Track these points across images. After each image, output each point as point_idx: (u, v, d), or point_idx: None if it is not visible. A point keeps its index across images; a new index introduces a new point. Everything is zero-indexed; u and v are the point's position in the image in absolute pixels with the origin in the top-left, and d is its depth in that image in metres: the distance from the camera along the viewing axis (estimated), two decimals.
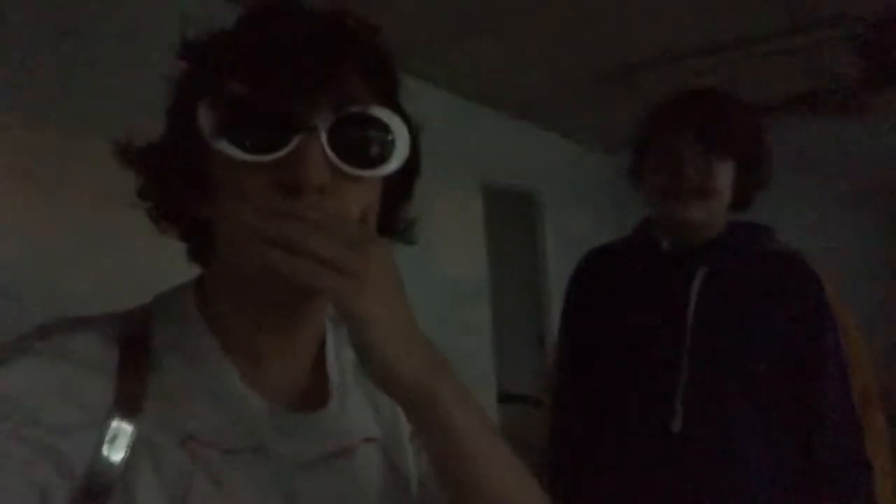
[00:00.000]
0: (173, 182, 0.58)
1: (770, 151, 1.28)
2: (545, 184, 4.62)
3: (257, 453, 0.57)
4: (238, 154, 0.53)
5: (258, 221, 0.49)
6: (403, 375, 0.52)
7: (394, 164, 0.57)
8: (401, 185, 0.64)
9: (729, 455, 1.15)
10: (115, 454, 0.51)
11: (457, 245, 3.71)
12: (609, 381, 1.26)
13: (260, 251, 0.49)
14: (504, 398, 3.99)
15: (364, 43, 0.58)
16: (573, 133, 4.78)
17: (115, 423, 0.52)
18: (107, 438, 0.51)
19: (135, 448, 0.52)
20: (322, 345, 0.68)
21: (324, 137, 0.53)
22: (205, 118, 0.53)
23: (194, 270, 0.63)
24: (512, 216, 4.61)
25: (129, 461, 0.51)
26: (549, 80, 3.49)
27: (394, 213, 0.66)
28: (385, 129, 0.57)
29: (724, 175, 1.21)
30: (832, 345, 1.18)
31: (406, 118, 0.60)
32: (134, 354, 0.55)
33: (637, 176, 1.33)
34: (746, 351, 1.16)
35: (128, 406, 0.53)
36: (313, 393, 0.65)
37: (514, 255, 4.59)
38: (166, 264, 0.77)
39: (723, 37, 3.03)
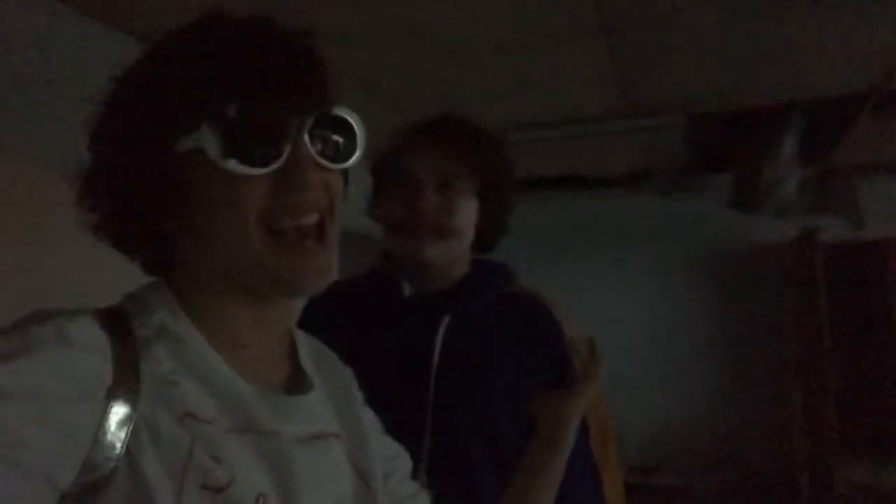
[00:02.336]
0: (143, 202, 0.61)
1: (513, 193, 1.18)
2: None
3: (251, 432, 0.60)
4: (245, 170, 0.58)
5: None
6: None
7: (359, 154, 0.66)
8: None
9: None
10: (119, 432, 0.53)
11: None
12: None
13: (259, 252, 0.58)
14: None
15: (313, 48, 0.63)
16: None
17: (116, 402, 0.53)
18: (110, 416, 0.53)
19: (136, 425, 0.54)
20: (293, 342, 0.74)
21: (307, 141, 0.60)
22: (209, 142, 0.57)
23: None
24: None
25: (131, 439, 0.53)
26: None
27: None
28: (349, 126, 0.65)
29: (466, 213, 1.11)
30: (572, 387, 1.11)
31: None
32: (124, 341, 0.57)
33: (373, 204, 1.21)
34: (488, 410, 1.09)
35: (128, 385, 0.54)
36: (293, 381, 0.70)
37: None
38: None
39: (563, 112, 3.28)
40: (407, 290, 1.15)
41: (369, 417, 0.81)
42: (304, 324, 1.16)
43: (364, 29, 2.32)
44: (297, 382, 0.70)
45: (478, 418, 1.08)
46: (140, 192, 0.60)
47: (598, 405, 1.21)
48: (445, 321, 1.12)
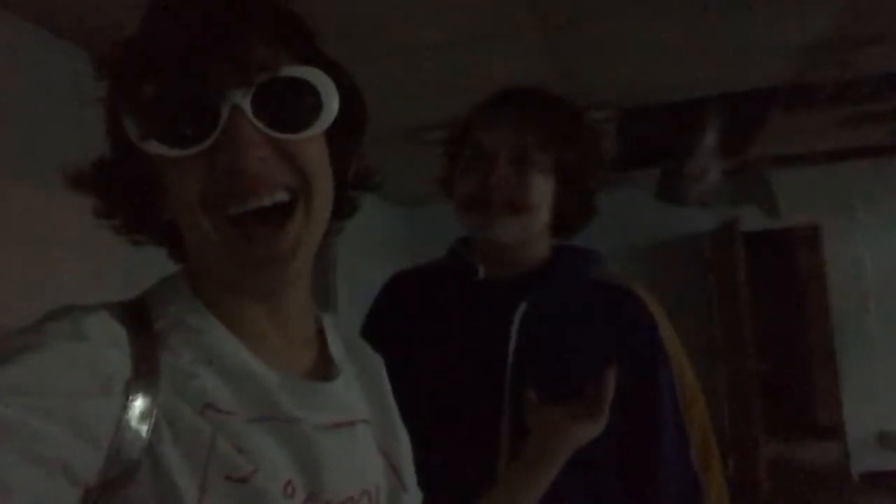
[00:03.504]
0: (130, 195, 0.59)
1: (604, 170, 1.09)
2: (340, 236, 4.64)
3: (275, 420, 0.58)
4: (169, 151, 0.53)
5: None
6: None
7: (324, 121, 0.58)
8: (348, 137, 0.65)
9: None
10: (139, 426, 0.51)
11: None
12: (419, 424, 0.95)
13: (210, 241, 0.55)
14: None
15: (265, 8, 0.58)
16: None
17: (136, 395, 0.52)
18: (130, 410, 0.51)
19: (157, 419, 0.52)
20: (320, 330, 0.70)
21: (248, 111, 0.54)
22: (130, 124, 0.54)
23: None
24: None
25: (152, 432, 0.51)
26: None
27: (346, 166, 0.67)
28: (308, 87, 0.57)
29: (541, 189, 1.02)
30: (667, 390, 1.03)
31: (333, 71, 0.60)
32: (141, 334, 0.55)
33: (446, 183, 1.13)
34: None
35: (147, 378, 0.53)
36: (318, 369, 0.67)
37: None
38: None
39: None
40: (482, 274, 1.07)
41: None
42: (377, 309, 1.19)
43: None
44: (323, 369, 0.68)
45: None
46: (124, 186, 0.59)
47: (699, 412, 1.06)
48: (522, 308, 1.04)
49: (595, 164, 1.08)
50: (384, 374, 0.78)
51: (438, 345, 1.07)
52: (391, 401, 0.76)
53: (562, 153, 1.02)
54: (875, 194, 5.07)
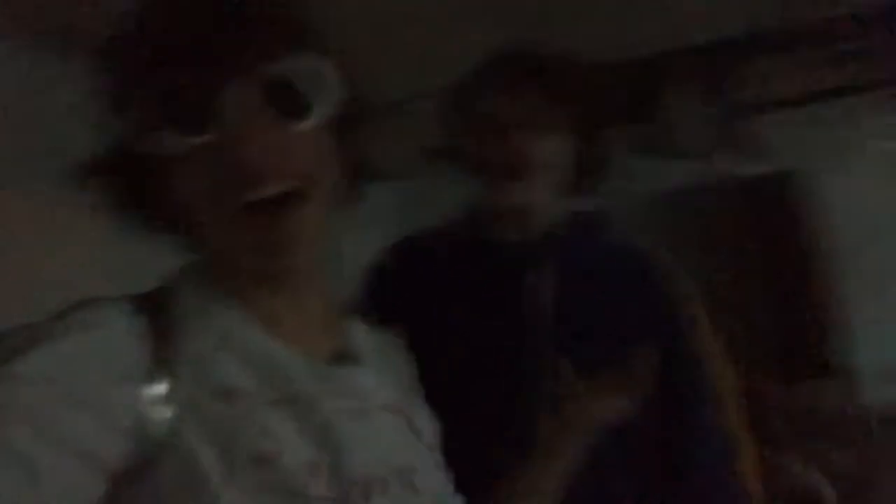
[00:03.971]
0: (141, 185, 0.60)
1: (609, 126, 1.06)
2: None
3: (295, 402, 0.58)
4: (175, 142, 0.55)
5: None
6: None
7: (328, 109, 0.60)
8: (352, 125, 0.67)
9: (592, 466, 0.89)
10: (161, 411, 0.52)
11: None
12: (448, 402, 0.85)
13: (216, 231, 0.56)
14: None
15: (257, 2, 0.60)
16: None
17: (155, 382, 0.53)
18: (150, 397, 0.52)
19: (178, 405, 0.53)
20: (340, 318, 0.71)
21: (254, 100, 0.55)
22: (138, 117, 0.55)
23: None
24: None
25: (174, 418, 0.52)
26: None
27: (351, 155, 0.68)
28: (312, 77, 0.59)
29: (549, 151, 1.00)
30: (699, 352, 1.02)
31: (338, 62, 0.62)
32: (160, 321, 0.57)
33: (452, 152, 1.10)
34: (591, 365, 0.90)
35: (166, 366, 0.54)
36: (340, 354, 0.67)
37: None
38: None
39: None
40: (496, 237, 1.05)
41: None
42: (386, 273, 1.15)
43: None
44: (344, 355, 0.68)
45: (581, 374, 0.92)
46: (131, 175, 0.61)
47: (727, 373, 1.05)
48: (538, 272, 1.01)
49: (606, 120, 1.07)
50: (406, 358, 0.79)
51: (459, 312, 1.05)
52: (416, 384, 0.77)
53: (572, 109, 1.00)
54: (862, 131, 5.08)
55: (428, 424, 0.74)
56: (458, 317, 1.04)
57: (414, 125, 3.87)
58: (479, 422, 0.95)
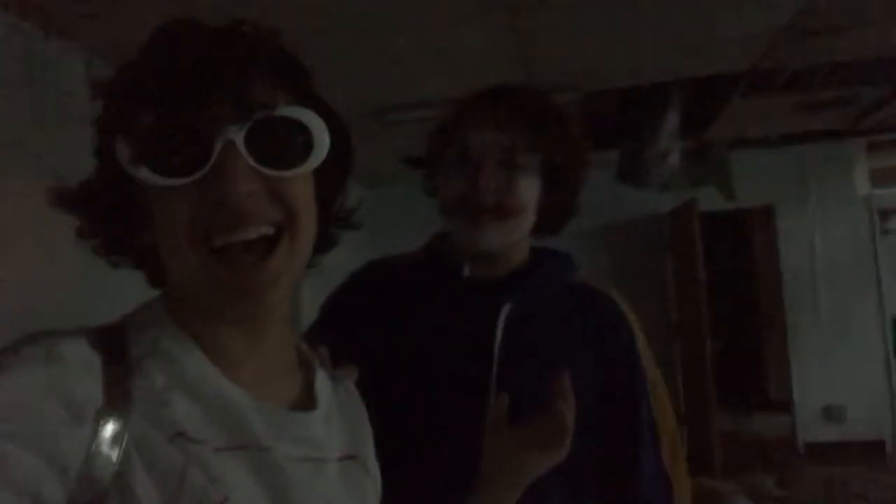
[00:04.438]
0: (112, 218, 0.59)
1: (586, 171, 1.06)
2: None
3: (247, 450, 0.58)
4: (160, 180, 0.54)
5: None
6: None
7: (314, 160, 0.59)
8: (334, 176, 0.66)
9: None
10: (110, 452, 0.51)
11: None
12: (393, 422, 0.87)
13: (194, 270, 0.55)
14: None
15: (265, 47, 0.59)
16: None
17: (106, 423, 0.52)
18: (100, 437, 0.51)
19: (127, 446, 0.52)
20: (302, 361, 0.70)
21: (241, 146, 0.55)
22: (122, 151, 0.55)
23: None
24: None
25: (122, 459, 0.51)
26: None
27: (331, 203, 0.69)
28: (300, 127, 0.59)
29: (528, 192, 0.99)
30: (643, 395, 1.04)
31: (325, 112, 0.61)
32: (116, 359, 0.56)
33: (431, 183, 1.09)
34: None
35: (118, 405, 0.53)
36: (298, 398, 0.67)
37: None
38: None
39: (463, 89, 3.31)
40: (467, 272, 1.04)
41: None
42: (347, 297, 1.13)
43: (267, 7, 2.26)
44: (303, 399, 0.67)
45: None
46: (107, 209, 0.59)
47: (668, 416, 1.06)
48: (506, 309, 1.01)
49: (580, 163, 1.06)
50: (362, 406, 0.78)
51: (419, 343, 1.03)
52: (369, 433, 0.76)
53: (548, 154, 1.00)
54: (826, 176, 5.24)
55: (378, 472, 0.74)
56: (422, 347, 1.03)
57: (398, 135, 3.86)
58: (425, 460, 0.96)
